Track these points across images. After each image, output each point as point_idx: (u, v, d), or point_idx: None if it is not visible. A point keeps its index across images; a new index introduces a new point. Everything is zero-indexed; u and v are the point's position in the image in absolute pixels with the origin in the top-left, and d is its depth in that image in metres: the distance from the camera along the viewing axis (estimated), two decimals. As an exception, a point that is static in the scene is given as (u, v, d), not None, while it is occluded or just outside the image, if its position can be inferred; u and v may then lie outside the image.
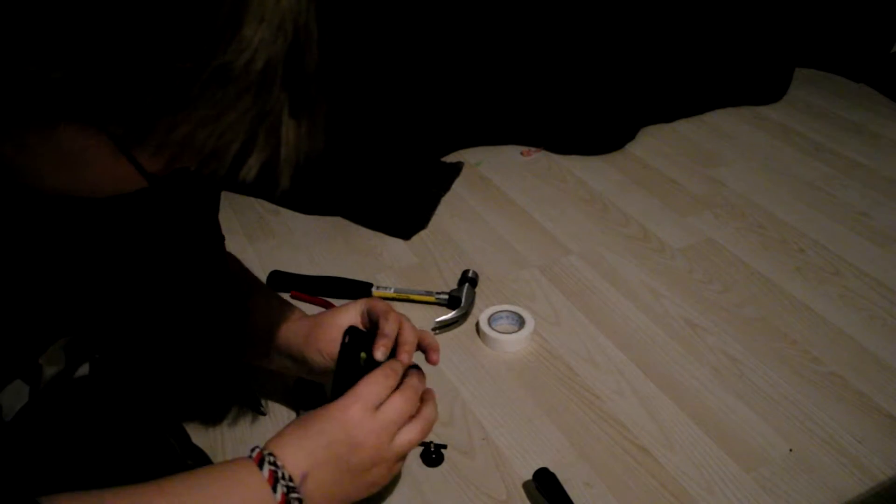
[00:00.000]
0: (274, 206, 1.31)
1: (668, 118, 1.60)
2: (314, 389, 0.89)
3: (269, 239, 1.23)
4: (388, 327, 0.73)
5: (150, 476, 0.57)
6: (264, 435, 0.85)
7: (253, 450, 0.62)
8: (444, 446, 0.83)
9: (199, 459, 0.76)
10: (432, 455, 0.82)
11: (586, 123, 1.49)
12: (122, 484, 0.55)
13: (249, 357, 0.84)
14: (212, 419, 0.88)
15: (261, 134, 0.45)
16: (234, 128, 0.43)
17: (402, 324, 0.75)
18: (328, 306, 1.05)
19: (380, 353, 0.71)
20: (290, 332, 0.79)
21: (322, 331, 0.77)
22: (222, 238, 0.78)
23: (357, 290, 1.07)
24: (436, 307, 1.05)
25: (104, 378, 0.68)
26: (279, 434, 0.65)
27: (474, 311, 1.04)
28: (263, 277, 1.09)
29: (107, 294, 0.63)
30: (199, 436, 0.85)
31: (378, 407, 0.66)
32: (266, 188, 0.47)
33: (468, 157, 1.46)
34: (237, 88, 0.42)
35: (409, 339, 0.74)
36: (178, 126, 0.42)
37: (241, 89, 0.42)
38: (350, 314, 0.78)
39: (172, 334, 0.74)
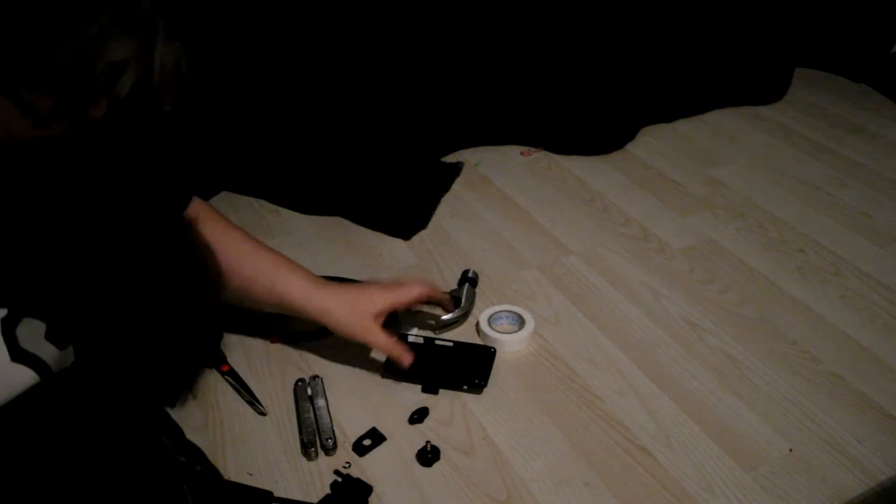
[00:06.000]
0: (274, 206, 1.31)
1: (668, 118, 1.60)
2: (314, 394, 0.89)
3: (269, 239, 1.22)
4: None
5: (140, 472, 0.56)
6: (264, 435, 0.86)
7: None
8: (438, 450, 0.84)
9: (193, 456, 0.76)
10: (428, 455, 0.82)
11: (586, 123, 1.49)
12: (109, 480, 0.55)
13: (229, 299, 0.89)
14: (211, 419, 0.88)
15: (131, 50, 0.47)
16: (98, 41, 0.46)
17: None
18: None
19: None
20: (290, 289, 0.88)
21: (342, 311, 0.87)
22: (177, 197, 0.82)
23: (357, 290, 1.07)
24: (436, 307, 1.05)
25: (85, 371, 0.68)
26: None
27: (474, 311, 1.04)
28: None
29: (36, 254, 0.63)
30: (199, 435, 0.85)
31: None
32: (150, 110, 0.50)
33: (468, 157, 1.46)
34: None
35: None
36: (40, 41, 0.44)
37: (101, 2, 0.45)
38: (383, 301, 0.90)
39: (120, 295, 0.75)
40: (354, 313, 0.88)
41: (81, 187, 0.68)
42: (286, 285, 0.88)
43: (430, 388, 0.91)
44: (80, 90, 0.48)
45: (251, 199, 1.34)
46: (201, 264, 0.85)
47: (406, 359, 0.89)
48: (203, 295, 0.88)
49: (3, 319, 0.59)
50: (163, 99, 0.52)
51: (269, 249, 0.91)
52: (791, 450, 0.84)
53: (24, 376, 0.60)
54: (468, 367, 0.93)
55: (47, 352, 0.62)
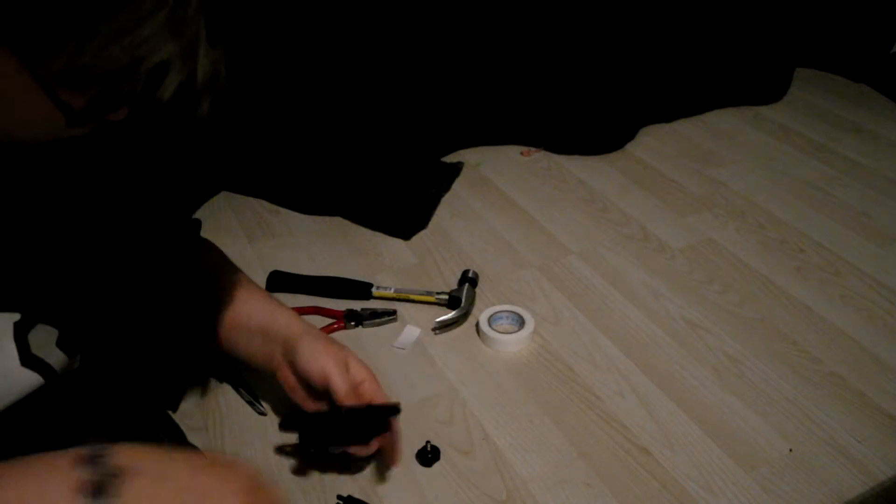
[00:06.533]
0: (274, 206, 1.31)
1: (668, 118, 1.60)
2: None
3: (269, 239, 1.23)
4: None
5: None
6: (263, 434, 0.86)
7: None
8: (438, 450, 0.83)
9: None
10: (428, 455, 0.82)
11: (586, 123, 1.49)
12: None
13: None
14: (211, 419, 0.88)
15: (177, 53, 0.47)
16: (150, 42, 0.45)
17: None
18: (322, 313, 1.05)
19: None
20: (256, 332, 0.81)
21: (294, 361, 0.77)
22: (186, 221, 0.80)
23: (357, 290, 1.07)
24: (436, 307, 1.05)
25: (89, 374, 0.68)
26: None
27: (474, 311, 1.04)
28: (263, 277, 1.09)
29: (49, 261, 0.63)
30: (199, 436, 0.85)
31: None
32: (184, 114, 0.49)
33: (468, 157, 1.46)
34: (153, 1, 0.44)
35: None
36: (94, 39, 0.43)
37: (158, 2, 0.44)
38: (327, 369, 0.76)
39: (128, 308, 0.74)
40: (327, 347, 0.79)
41: (101, 191, 0.67)
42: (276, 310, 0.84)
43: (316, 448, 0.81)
44: (123, 90, 0.47)
45: (251, 199, 1.34)
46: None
47: (308, 405, 0.78)
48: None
49: (17, 324, 0.60)
50: (201, 104, 0.51)
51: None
52: (791, 450, 0.84)
53: (31, 380, 0.60)
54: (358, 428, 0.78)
55: (56, 358, 0.62)
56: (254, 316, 0.81)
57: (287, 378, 0.79)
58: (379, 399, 0.78)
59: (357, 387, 0.77)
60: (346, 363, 0.78)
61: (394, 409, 0.77)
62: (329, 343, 0.79)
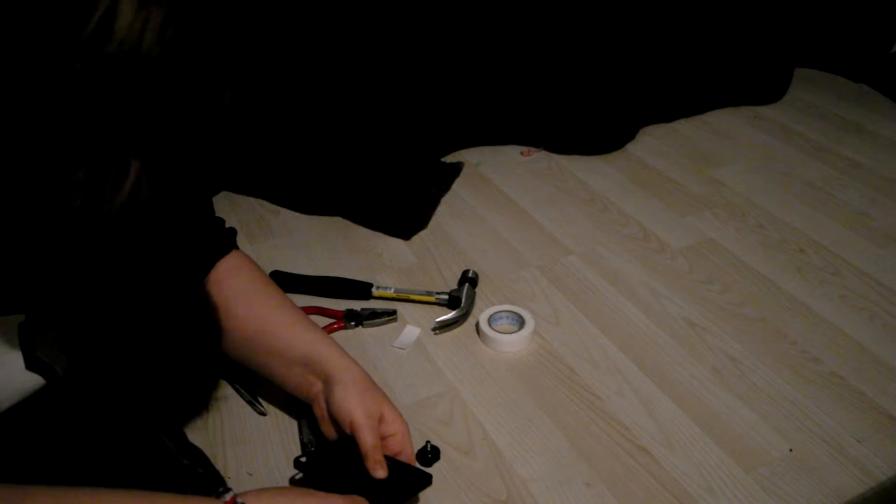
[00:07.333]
0: (274, 206, 1.32)
1: (668, 118, 1.60)
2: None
3: (269, 239, 1.23)
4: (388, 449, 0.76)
5: (142, 474, 0.56)
6: (264, 435, 0.86)
7: (225, 492, 0.62)
8: (438, 450, 0.83)
9: (195, 459, 0.76)
10: (428, 455, 0.82)
11: (586, 123, 1.49)
12: (111, 483, 0.55)
13: (237, 354, 0.85)
14: (211, 419, 0.88)
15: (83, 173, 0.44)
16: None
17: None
18: (320, 313, 1.05)
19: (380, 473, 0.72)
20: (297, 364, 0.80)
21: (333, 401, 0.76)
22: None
23: (357, 290, 1.07)
24: (436, 307, 1.05)
25: (88, 376, 0.68)
26: (258, 490, 0.65)
27: (474, 311, 1.04)
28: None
29: (53, 262, 0.63)
30: (199, 436, 0.85)
31: None
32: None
33: (468, 157, 1.46)
34: None
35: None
36: None
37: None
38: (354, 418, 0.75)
39: (138, 321, 0.74)
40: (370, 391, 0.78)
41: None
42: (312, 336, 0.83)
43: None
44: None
45: (251, 199, 1.34)
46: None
47: (381, 471, 0.73)
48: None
49: (23, 326, 0.60)
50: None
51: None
52: (791, 450, 0.84)
53: (34, 382, 0.60)
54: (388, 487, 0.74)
55: (60, 361, 0.62)
56: (294, 345, 0.80)
57: (321, 410, 0.78)
58: (405, 455, 0.76)
59: (386, 439, 0.76)
60: (381, 414, 0.76)
61: (424, 480, 0.74)
62: (364, 392, 0.77)
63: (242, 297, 0.83)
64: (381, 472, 0.71)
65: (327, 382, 0.77)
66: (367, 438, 0.73)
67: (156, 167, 0.46)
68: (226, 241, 0.87)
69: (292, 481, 0.80)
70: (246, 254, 0.89)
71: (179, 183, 0.49)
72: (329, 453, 0.78)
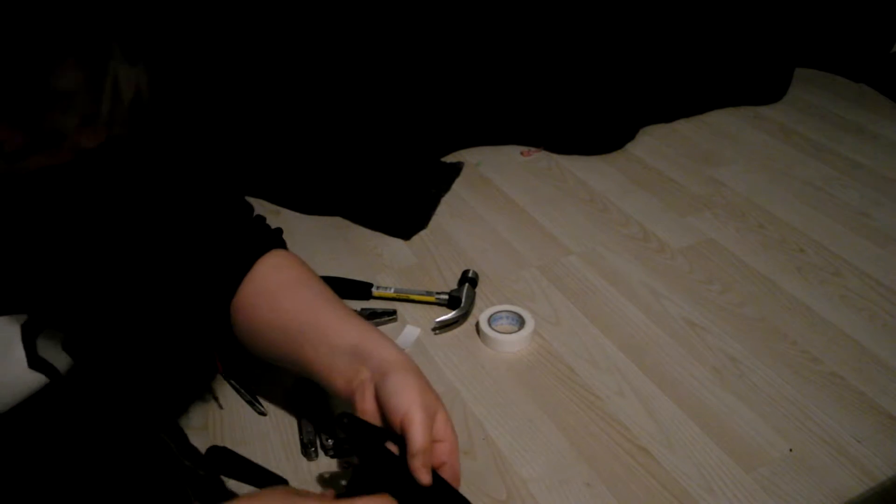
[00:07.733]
0: (274, 207, 1.32)
1: (668, 118, 1.60)
2: (315, 393, 0.89)
3: (269, 239, 1.23)
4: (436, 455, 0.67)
5: (144, 476, 0.56)
6: (264, 435, 0.86)
7: None
8: None
9: (196, 460, 0.76)
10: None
11: (586, 123, 1.49)
12: (111, 483, 0.55)
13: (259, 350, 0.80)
14: (211, 419, 0.88)
15: (77, 84, 0.44)
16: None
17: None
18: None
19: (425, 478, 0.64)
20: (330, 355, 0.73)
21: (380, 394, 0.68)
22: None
23: (357, 290, 1.07)
24: (436, 307, 1.05)
25: (89, 376, 0.68)
26: (248, 495, 0.62)
27: (474, 311, 1.04)
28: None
29: (56, 268, 0.62)
30: (199, 436, 0.85)
31: None
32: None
33: (468, 157, 1.46)
34: None
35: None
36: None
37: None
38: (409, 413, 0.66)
39: (143, 315, 0.73)
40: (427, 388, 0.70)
41: (111, 195, 0.66)
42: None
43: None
44: (33, 127, 0.44)
45: (251, 199, 1.33)
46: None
47: (425, 476, 0.64)
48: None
49: (25, 326, 0.60)
50: (115, 132, 0.47)
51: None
52: (791, 450, 0.84)
53: (37, 381, 0.60)
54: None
55: (62, 361, 0.62)
56: (345, 335, 0.73)
57: (365, 402, 0.69)
58: (450, 470, 0.67)
59: (435, 445, 0.67)
60: (435, 415, 0.68)
61: None
62: (424, 387, 0.68)
63: (289, 290, 0.77)
64: (425, 477, 0.63)
65: (380, 372, 0.69)
66: (419, 436, 0.64)
67: (154, 70, 0.46)
68: (266, 239, 0.81)
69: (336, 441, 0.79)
70: (293, 253, 0.84)
71: (180, 86, 0.49)
72: (364, 442, 0.68)
